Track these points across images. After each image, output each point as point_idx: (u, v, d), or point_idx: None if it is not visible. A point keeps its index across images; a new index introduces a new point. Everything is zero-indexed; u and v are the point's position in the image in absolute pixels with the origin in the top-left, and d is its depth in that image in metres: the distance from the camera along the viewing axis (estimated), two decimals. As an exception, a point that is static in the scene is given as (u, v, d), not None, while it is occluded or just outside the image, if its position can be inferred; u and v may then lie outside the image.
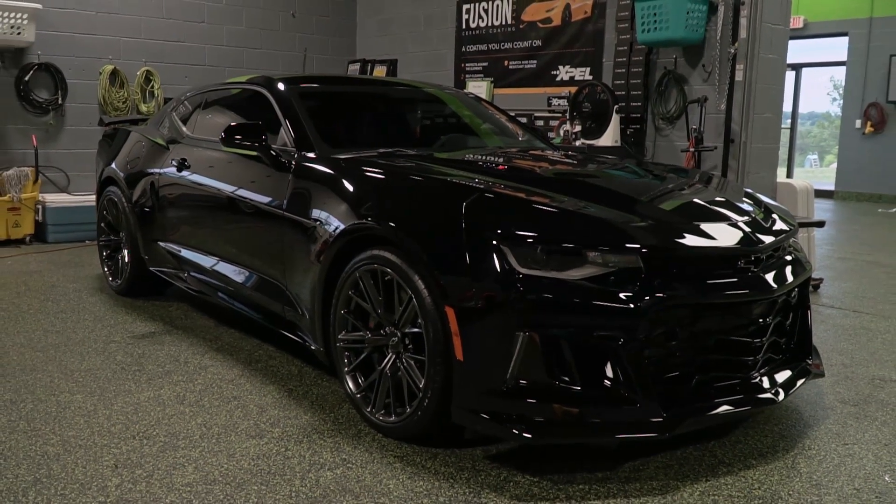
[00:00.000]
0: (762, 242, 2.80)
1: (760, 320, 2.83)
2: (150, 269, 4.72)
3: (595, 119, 6.38)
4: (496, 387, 2.51)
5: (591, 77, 6.72)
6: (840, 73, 14.70)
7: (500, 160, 3.62)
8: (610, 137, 6.09)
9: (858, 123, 13.05)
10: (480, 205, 2.71)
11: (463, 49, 7.90)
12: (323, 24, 9.09)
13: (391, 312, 2.86)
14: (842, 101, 13.79)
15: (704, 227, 2.75)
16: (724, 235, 2.75)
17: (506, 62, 7.48)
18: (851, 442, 2.92)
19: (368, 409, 2.93)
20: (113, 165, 5.04)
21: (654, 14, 5.72)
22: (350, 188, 3.13)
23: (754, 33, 5.55)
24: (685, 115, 5.97)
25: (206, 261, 4.14)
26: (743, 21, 5.56)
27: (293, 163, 3.47)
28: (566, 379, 2.49)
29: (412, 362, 2.78)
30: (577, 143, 6.23)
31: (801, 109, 16.21)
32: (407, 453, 2.74)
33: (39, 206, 6.97)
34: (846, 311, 5.00)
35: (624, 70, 6.39)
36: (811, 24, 13.61)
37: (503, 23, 7.47)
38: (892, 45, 12.65)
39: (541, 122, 7.05)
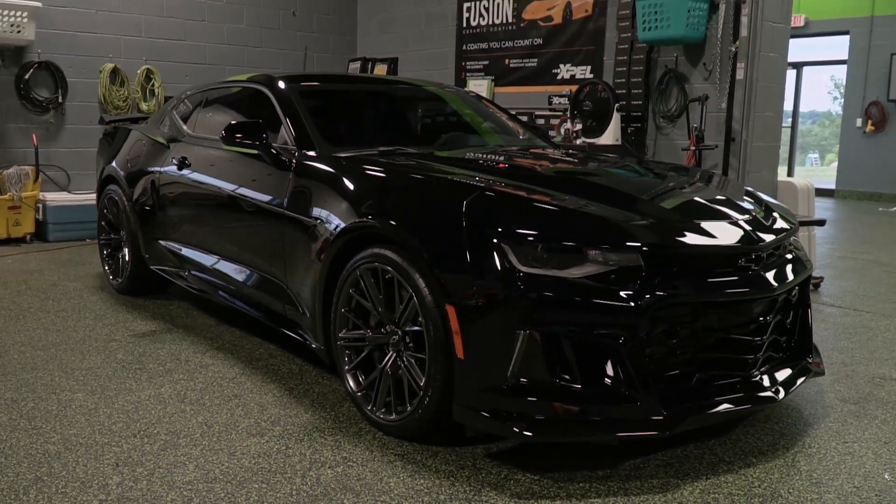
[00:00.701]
0: (763, 241, 2.80)
1: (761, 319, 2.84)
2: (151, 267, 4.72)
3: (596, 118, 6.38)
4: (497, 385, 2.51)
5: (591, 75, 6.71)
6: (841, 72, 14.71)
7: (501, 159, 3.62)
8: (611, 136, 6.09)
9: (859, 122, 13.04)
10: (481, 203, 2.71)
11: (464, 47, 7.89)
12: (323, 23, 9.08)
13: (392, 311, 2.86)
14: (843, 100, 13.79)
15: (705, 225, 2.75)
16: (724, 234, 2.75)
17: (506, 60, 7.47)
18: (851, 440, 2.92)
19: (369, 408, 2.93)
20: (113, 164, 5.04)
21: (655, 12, 5.71)
22: (351, 186, 3.13)
23: (755, 32, 5.55)
24: (686, 114, 5.96)
25: (207, 259, 4.14)
26: (744, 19, 5.56)
27: (294, 161, 3.48)
28: (567, 377, 2.49)
29: (413, 360, 2.78)
30: (578, 141, 6.23)
31: (802, 108, 16.21)
32: (408, 451, 2.74)
33: (40, 205, 6.97)
34: (846, 309, 5.00)
35: (625, 68, 6.39)
36: (812, 23, 13.60)
37: (504, 21, 7.46)
38: (893, 43, 12.64)
39: (542, 121, 7.05)
